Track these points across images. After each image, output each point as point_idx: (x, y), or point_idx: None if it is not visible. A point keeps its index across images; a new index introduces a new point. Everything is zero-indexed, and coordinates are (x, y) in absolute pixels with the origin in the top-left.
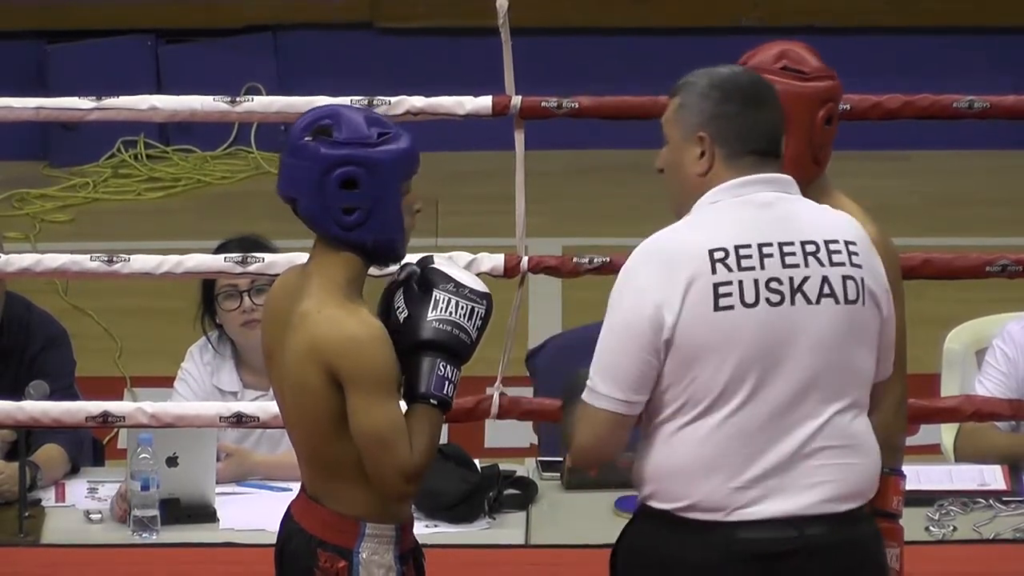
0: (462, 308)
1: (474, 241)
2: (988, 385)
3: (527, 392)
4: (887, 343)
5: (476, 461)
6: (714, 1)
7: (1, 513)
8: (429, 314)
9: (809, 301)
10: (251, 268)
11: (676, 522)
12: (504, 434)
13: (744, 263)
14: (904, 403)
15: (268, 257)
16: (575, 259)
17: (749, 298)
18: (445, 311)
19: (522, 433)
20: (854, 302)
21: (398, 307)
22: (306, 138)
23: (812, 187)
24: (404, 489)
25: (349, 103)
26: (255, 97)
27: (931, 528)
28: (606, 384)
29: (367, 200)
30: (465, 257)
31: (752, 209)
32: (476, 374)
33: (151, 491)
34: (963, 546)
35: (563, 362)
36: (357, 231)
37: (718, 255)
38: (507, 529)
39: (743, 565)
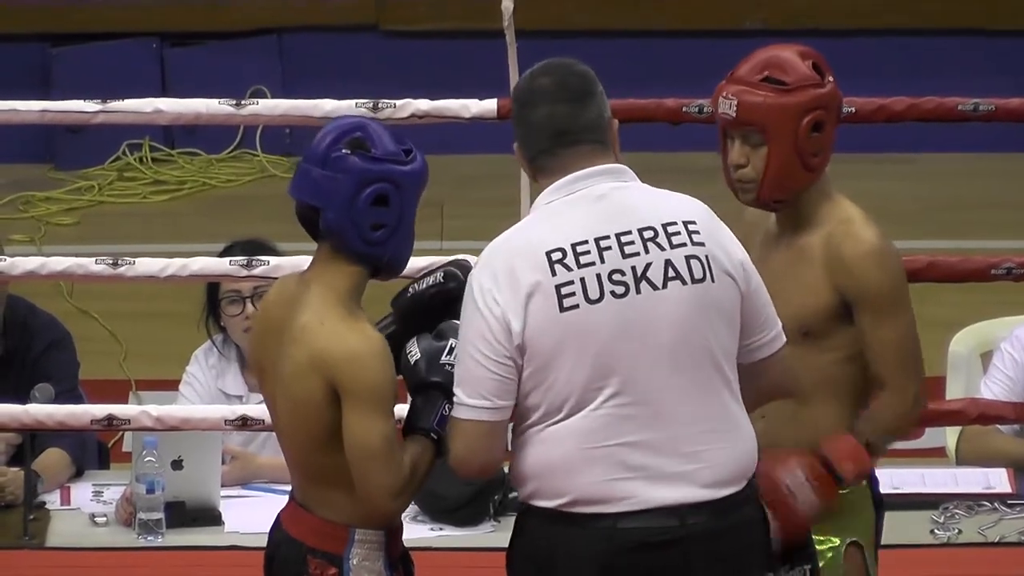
0: None
1: (479, 245)
2: (994, 388)
3: None
4: (758, 313)
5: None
6: (718, 4)
7: (6, 516)
8: (443, 357)
9: (655, 287)
10: (256, 271)
11: (559, 517)
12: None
13: (583, 259)
14: (916, 404)
15: (273, 260)
16: None
17: (593, 294)
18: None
19: None
20: (702, 280)
21: (411, 351)
22: (344, 150)
23: (810, 192)
24: (390, 505)
25: (355, 106)
26: (260, 100)
27: (936, 531)
28: (469, 395)
29: (394, 217)
30: (471, 260)
31: (585, 204)
32: None
33: (156, 494)
34: (968, 549)
35: None
36: (379, 247)
37: (556, 256)
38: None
39: (628, 555)
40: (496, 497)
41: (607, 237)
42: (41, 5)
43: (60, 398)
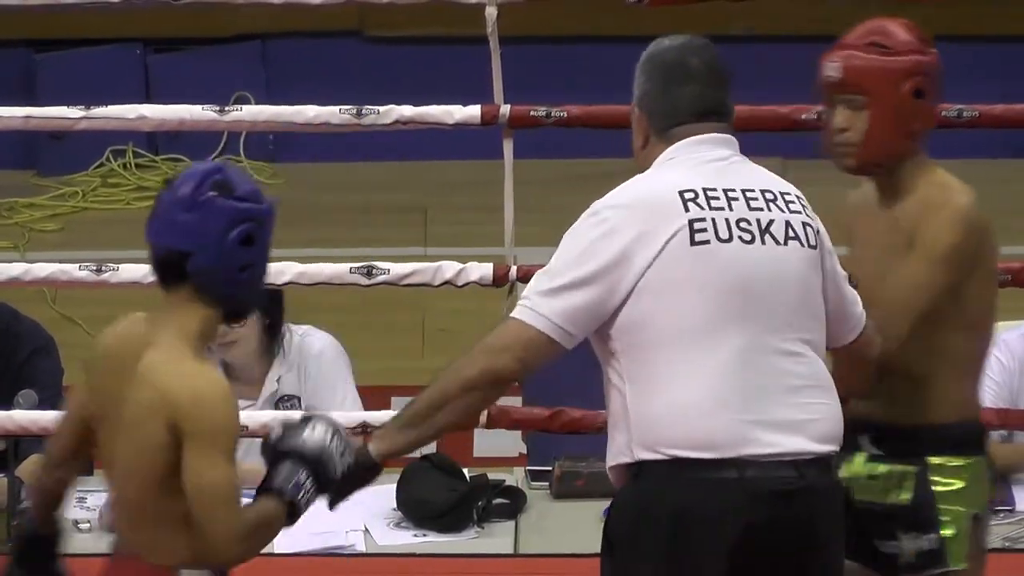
0: (338, 442)
1: (463, 251)
2: (982, 394)
3: (516, 402)
4: (838, 289)
5: (465, 470)
6: (702, 10)
7: None
8: (304, 433)
9: (778, 242)
10: None
11: (694, 466)
12: (493, 443)
13: (713, 203)
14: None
15: None
16: None
17: (723, 234)
18: (320, 434)
19: (511, 442)
20: (815, 248)
21: (273, 430)
22: (210, 193)
23: (910, 163)
24: (233, 549)
25: (338, 112)
26: (244, 106)
27: None
28: (550, 306)
29: (258, 257)
30: (455, 266)
31: (711, 162)
32: None
33: None
34: None
35: (552, 372)
36: (243, 287)
37: (688, 195)
38: (496, 538)
39: (762, 505)
40: (480, 503)
41: (733, 190)
42: (25, 10)
43: (44, 404)
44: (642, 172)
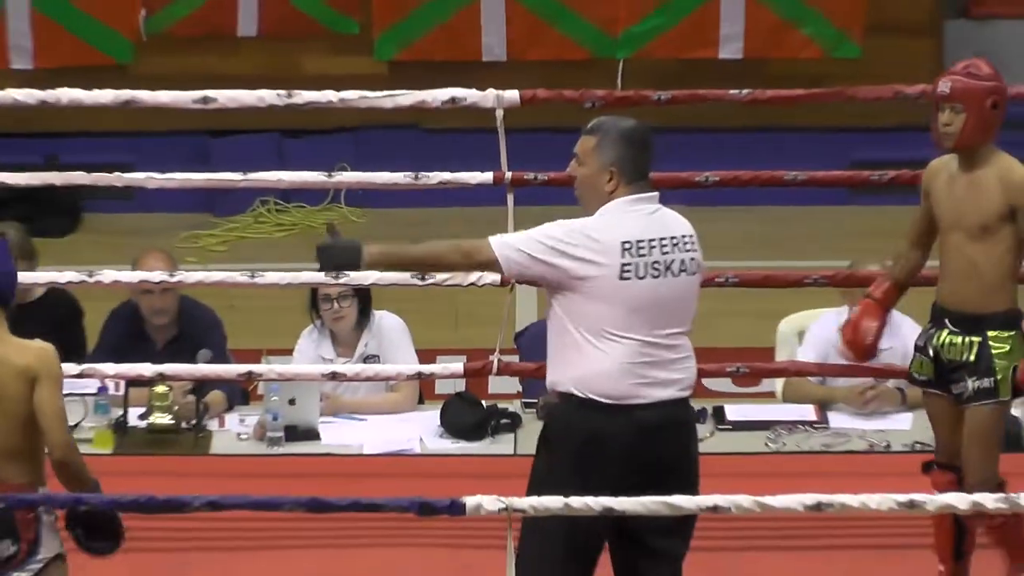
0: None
1: None
2: (807, 353)
3: (515, 358)
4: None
5: (483, 402)
6: (635, 112)
7: (183, 435)
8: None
9: (674, 275)
10: (340, 281)
11: (600, 407)
12: (501, 385)
13: (640, 252)
14: None
15: (351, 274)
16: None
17: (640, 274)
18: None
19: (512, 384)
20: (695, 274)
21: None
22: None
23: (984, 149)
24: (69, 455)
25: (402, 176)
26: (343, 172)
27: (768, 444)
28: (510, 254)
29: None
30: (476, 274)
31: (643, 216)
32: (483, 347)
33: (278, 420)
34: (789, 456)
35: (539, 341)
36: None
37: (627, 246)
38: (502, 445)
39: (639, 434)
40: (492, 423)
41: (654, 239)
42: (202, 111)
43: (215, 360)
44: (599, 197)
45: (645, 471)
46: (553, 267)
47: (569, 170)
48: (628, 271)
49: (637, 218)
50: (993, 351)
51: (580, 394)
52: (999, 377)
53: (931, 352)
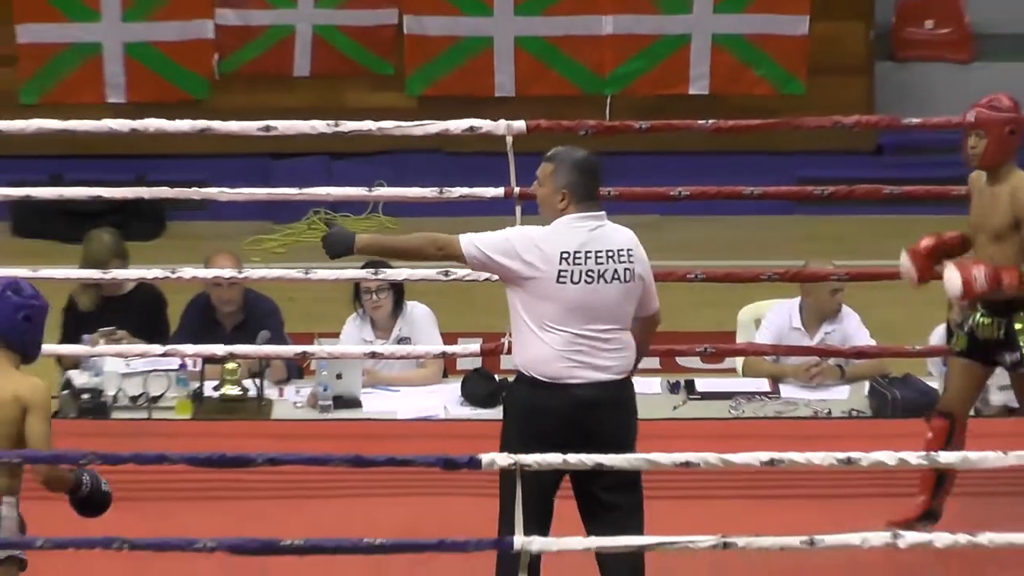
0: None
1: None
2: (763, 336)
3: None
4: (648, 295)
5: (496, 376)
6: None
7: (248, 402)
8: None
9: (607, 282)
10: (379, 275)
11: (540, 384)
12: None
13: (576, 261)
14: None
15: (388, 271)
16: None
17: (575, 279)
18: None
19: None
20: (629, 282)
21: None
22: (8, 293)
23: (1004, 168)
24: (52, 471)
25: (430, 192)
26: (381, 188)
27: (731, 411)
28: (473, 249)
29: (35, 330)
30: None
31: (585, 232)
32: (496, 331)
33: (327, 391)
34: (747, 421)
35: None
36: (25, 344)
37: (564, 255)
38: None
39: (575, 408)
40: (503, 393)
41: (590, 252)
42: (264, 138)
43: (272, 341)
44: (554, 212)
45: (585, 438)
46: (504, 267)
47: (532, 189)
48: (564, 276)
49: (579, 233)
50: (1017, 328)
51: (527, 373)
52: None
53: (966, 329)
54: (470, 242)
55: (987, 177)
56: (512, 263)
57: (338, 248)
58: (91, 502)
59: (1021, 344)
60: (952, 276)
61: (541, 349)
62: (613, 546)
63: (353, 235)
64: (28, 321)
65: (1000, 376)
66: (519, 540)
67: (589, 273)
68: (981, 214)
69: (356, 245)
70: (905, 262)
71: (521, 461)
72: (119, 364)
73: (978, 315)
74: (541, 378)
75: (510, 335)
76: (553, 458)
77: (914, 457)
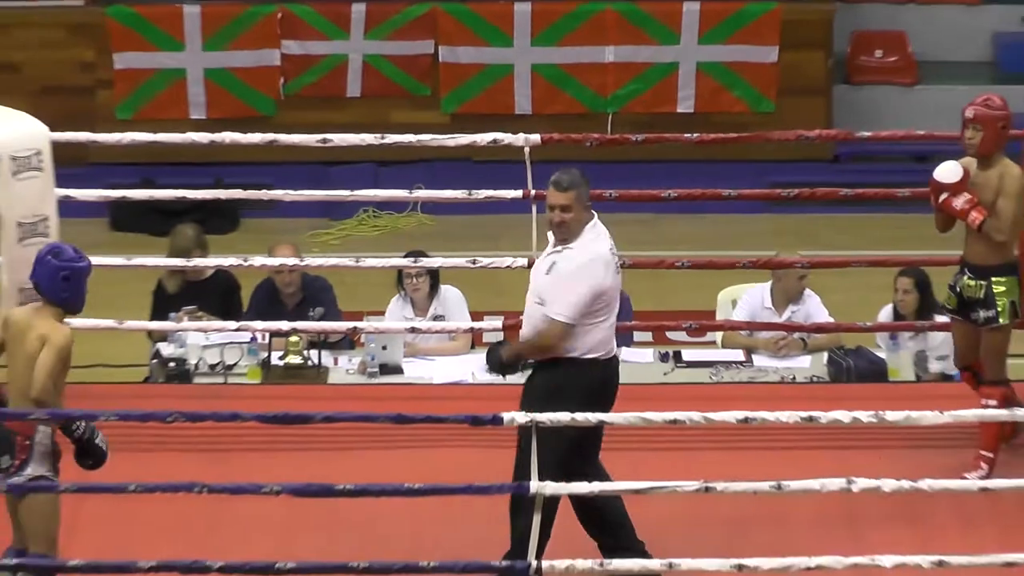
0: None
1: (515, 252)
2: (738, 315)
3: None
4: None
5: None
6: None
7: (308, 369)
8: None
9: (617, 272)
10: (418, 263)
11: (600, 363)
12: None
13: (612, 254)
14: (1011, 232)
15: (424, 260)
16: None
17: (613, 272)
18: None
19: None
20: (619, 272)
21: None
22: (48, 257)
23: (994, 156)
24: (44, 395)
25: (458, 193)
26: (420, 190)
27: (711, 377)
28: (571, 316)
29: (75, 288)
30: (510, 260)
31: (602, 229)
32: (516, 310)
33: (375, 360)
34: (725, 385)
35: None
36: (69, 301)
37: (607, 256)
38: (522, 377)
39: (616, 374)
40: (520, 364)
41: (612, 249)
42: (322, 148)
43: (326, 318)
44: (581, 228)
45: (613, 396)
46: (602, 294)
47: (557, 217)
48: (608, 270)
49: (601, 231)
50: (994, 290)
51: (588, 356)
52: (999, 309)
53: (957, 290)
54: (567, 318)
55: (979, 163)
56: (600, 291)
57: (494, 359)
58: (87, 449)
59: (998, 303)
60: (953, 167)
61: (601, 333)
62: (616, 490)
63: (499, 351)
64: (67, 280)
65: (938, 348)
66: (534, 485)
67: (612, 267)
68: (974, 192)
69: (504, 355)
70: (954, 167)
71: (536, 419)
72: (200, 337)
73: (965, 278)
74: (602, 357)
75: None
76: (563, 416)
77: (865, 416)
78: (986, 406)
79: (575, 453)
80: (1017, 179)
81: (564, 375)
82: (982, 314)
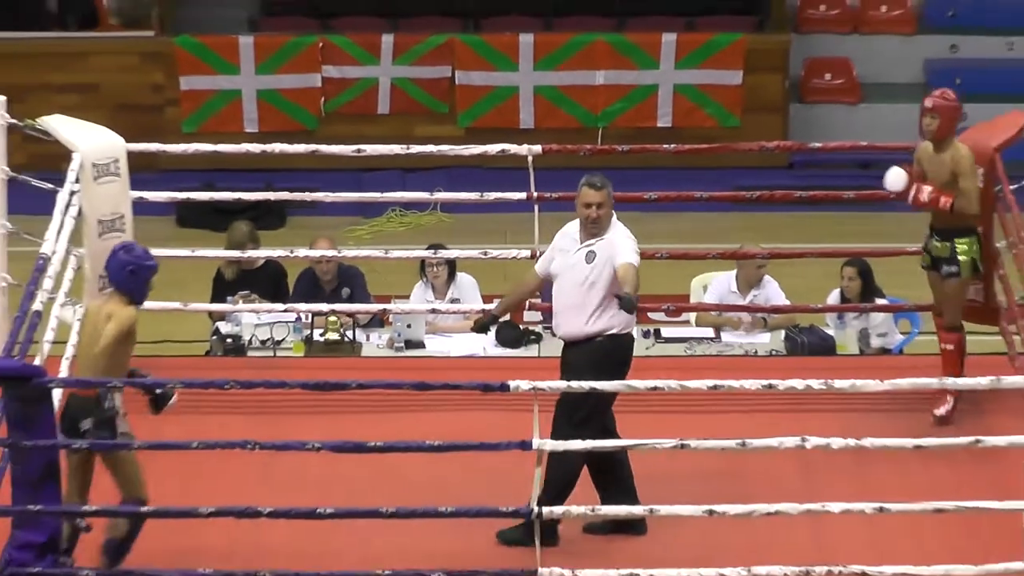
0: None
1: (520, 246)
2: (708, 299)
3: (537, 300)
4: None
5: (521, 325)
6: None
7: (342, 345)
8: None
9: None
10: (439, 254)
11: (629, 336)
12: (531, 316)
13: None
14: (970, 202)
15: (443, 252)
16: None
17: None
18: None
19: (537, 315)
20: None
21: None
22: (120, 252)
23: (947, 140)
24: (98, 359)
25: (471, 195)
26: (440, 193)
27: (686, 351)
28: (639, 260)
29: (139, 282)
30: (516, 251)
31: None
32: None
33: (400, 336)
34: (698, 358)
35: (550, 291)
36: (134, 292)
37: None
38: (531, 351)
39: (630, 354)
40: (526, 338)
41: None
42: (357, 157)
43: (358, 295)
44: (611, 220)
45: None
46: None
47: (595, 215)
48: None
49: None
50: (957, 249)
51: (622, 332)
52: (960, 264)
53: (927, 250)
54: (639, 262)
55: (934, 147)
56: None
57: (627, 306)
58: (161, 397)
59: (960, 259)
60: (898, 173)
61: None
62: (609, 447)
63: (633, 299)
64: (132, 274)
65: (879, 326)
66: (536, 442)
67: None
68: (931, 172)
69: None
70: (900, 175)
71: (538, 386)
72: (253, 317)
73: (933, 240)
74: (631, 331)
75: (593, 309)
76: (561, 384)
77: (817, 383)
78: (944, 349)
79: (599, 412)
80: (967, 158)
81: (608, 348)
82: (945, 268)
